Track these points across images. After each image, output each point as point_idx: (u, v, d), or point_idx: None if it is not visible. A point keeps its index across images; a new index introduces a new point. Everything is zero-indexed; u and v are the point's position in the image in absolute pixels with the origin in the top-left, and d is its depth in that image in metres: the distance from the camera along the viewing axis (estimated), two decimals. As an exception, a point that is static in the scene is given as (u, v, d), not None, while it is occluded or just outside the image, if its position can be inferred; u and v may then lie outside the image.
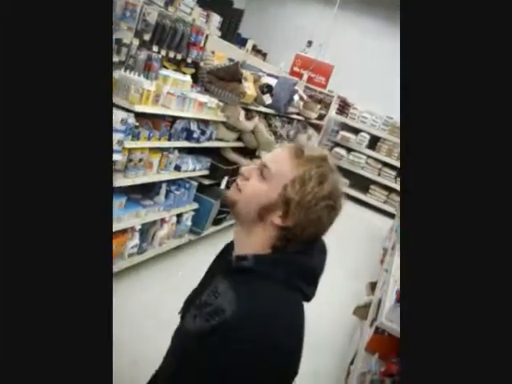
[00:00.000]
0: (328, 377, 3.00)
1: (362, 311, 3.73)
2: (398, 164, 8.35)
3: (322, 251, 1.01)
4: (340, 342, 3.50)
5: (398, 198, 8.29)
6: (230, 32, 5.82)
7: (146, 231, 3.39)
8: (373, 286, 4.17)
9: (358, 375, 2.22)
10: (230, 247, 1.05)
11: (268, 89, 4.46)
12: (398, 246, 3.69)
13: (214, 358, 0.83)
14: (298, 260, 0.93)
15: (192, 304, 0.98)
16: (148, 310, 2.92)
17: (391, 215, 7.96)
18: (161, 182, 3.38)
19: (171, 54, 3.20)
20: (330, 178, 0.92)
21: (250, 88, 3.89)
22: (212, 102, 3.51)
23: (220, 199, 4.03)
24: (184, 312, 1.04)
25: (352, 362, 2.82)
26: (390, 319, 2.17)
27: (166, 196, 3.48)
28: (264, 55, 8.03)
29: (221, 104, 3.67)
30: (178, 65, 3.44)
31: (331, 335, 3.53)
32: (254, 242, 0.95)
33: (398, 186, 8.36)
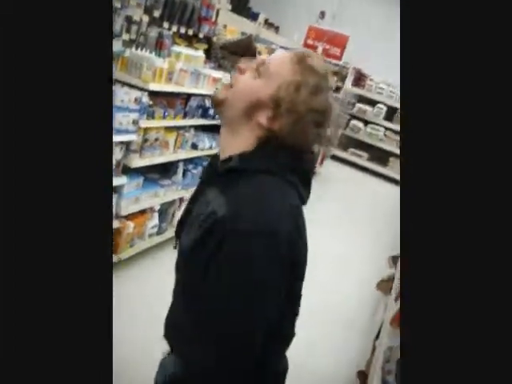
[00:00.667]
0: (354, 351, 2.99)
1: (385, 285, 3.70)
2: (417, 135, 8.17)
3: (311, 159, 1.00)
4: (363, 317, 3.48)
5: (417, 170, 8.14)
6: (241, 6, 5.68)
7: (165, 211, 3.38)
8: (395, 260, 4.12)
9: (385, 350, 2.18)
10: (215, 158, 1.02)
11: (282, 62, 4.35)
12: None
13: (212, 259, 0.83)
14: (284, 152, 0.91)
15: (185, 222, 0.98)
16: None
17: (411, 188, 7.84)
18: (178, 161, 3.35)
19: (182, 30, 3.12)
20: (324, 94, 0.91)
21: (264, 62, 3.79)
22: (226, 77, 3.43)
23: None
24: (178, 233, 1.04)
25: (377, 337, 2.80)
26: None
27: (184, 175, 3.46)
28: (276, 28, 7.83)
29: (235, 79, 3.59)
30: (190, 40, 3.36)
31: (354, 309, 3.51)
32: (239, 143, 0.93)
33: (417, 158, 8.20)
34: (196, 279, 0.88)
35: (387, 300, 3.45)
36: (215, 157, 1.03)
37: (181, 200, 3.50)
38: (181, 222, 1.05)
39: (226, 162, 0.92)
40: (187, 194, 3.52)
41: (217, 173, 0.95)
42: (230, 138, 0.95)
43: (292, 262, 0.87)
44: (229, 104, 0.94)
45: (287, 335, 1.02)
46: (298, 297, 0.99)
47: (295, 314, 1.01)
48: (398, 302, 2.73)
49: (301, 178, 0.94)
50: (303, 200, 0.95)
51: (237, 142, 0.93)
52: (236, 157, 0.90)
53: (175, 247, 1.06)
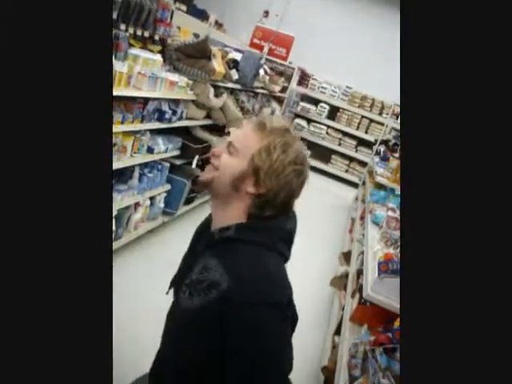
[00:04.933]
0: (312, 348, 3.10)
1: (338, 281, 3.85)
2: (357, 133, 8.51)
3: (293, 217, 1.11)
4: (318, 313, 3.60)
5: (358, 167, 8.48)
6: (185, 2, 5.60)
7: (121, 216, 3.31)
8: (346, 256, 4.29)
9: (351, 346, 2.29)
10: (207, 224, 1.13)
11: (234, 64, 4.37)
12: (368, 217, 3.79)
13: (225, 326, 0.92)
14: (276, 225, 1.04)
15: (181, 283, 1.05)
16: (128, 296, 2.88)
17: (353, 184, 8.15)
18: (133, 166, 3.29)
19: (139, 32, 3.05)
20: (293, 146, 1.01)
21: (218, 65, 3.80)
22: (182, 80, 3.40)
23: (192, 179, 3.99)
24: (176, 292, 1.12)
25: (337, 333, 2.91)
26: (376, 291, 2.24)
27: (140, 179, 3.39)
28: (220, 25, 7.81)
29: (190, 82, 3.57)
30: (145, 42, 3.28)
31: (309, 306, 3.61)
32: (232, 213, 1.04)
33: (358, 156, 8.54)
34: (193, 341, 0.98)
35: (341, 296, 3.60)
36: (206, 222, 1.15)
37: (136, 204, 3.44)
38: (176, 283, 1.14)
39: (223, 231, 1.02)
40: (142, 199, 3.47)
41: (213, 239, 1.03)
42: (223, 209, 1.06)
43: (293, 320, 1.04)
44: (217, 182, 1.04)
45: None
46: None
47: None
48: (356, 298, 2.87)
49: (287, 242, 1.08)
50: (287, 260, 1.08)
51: (230, 212, 1.04)
52: (234, 227, 1.01)
53: (167, 293, 1.18)
